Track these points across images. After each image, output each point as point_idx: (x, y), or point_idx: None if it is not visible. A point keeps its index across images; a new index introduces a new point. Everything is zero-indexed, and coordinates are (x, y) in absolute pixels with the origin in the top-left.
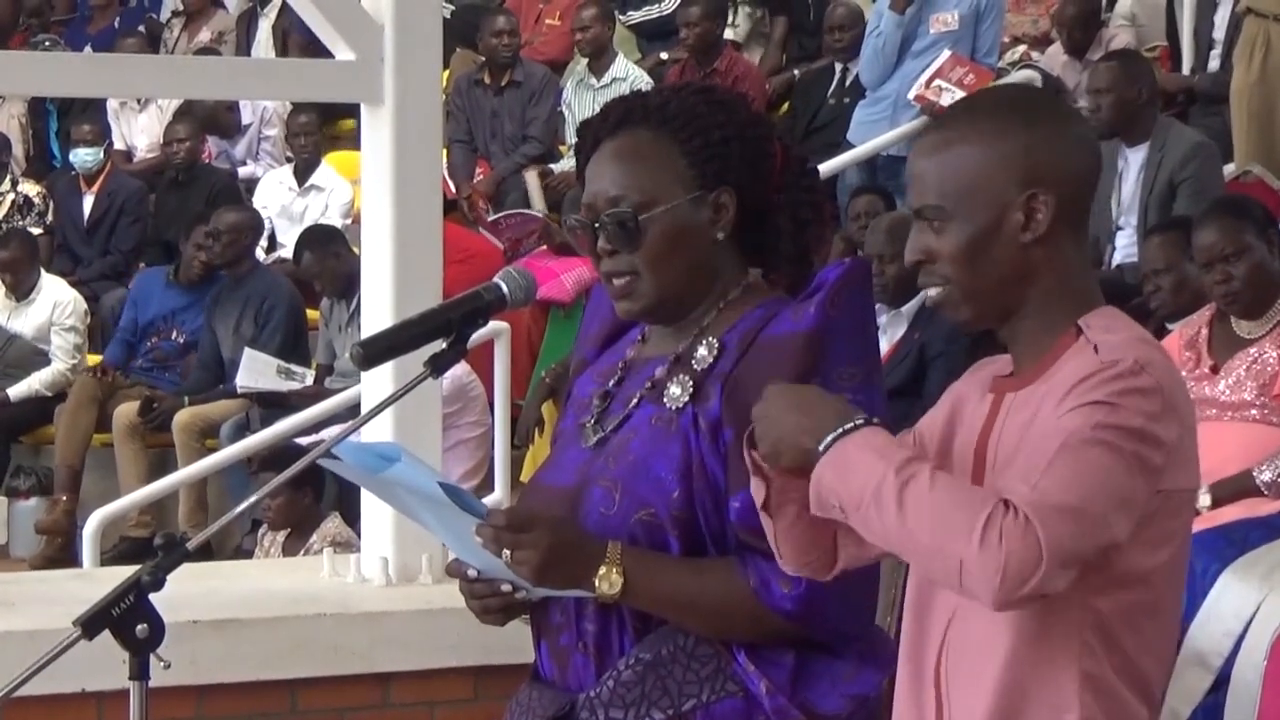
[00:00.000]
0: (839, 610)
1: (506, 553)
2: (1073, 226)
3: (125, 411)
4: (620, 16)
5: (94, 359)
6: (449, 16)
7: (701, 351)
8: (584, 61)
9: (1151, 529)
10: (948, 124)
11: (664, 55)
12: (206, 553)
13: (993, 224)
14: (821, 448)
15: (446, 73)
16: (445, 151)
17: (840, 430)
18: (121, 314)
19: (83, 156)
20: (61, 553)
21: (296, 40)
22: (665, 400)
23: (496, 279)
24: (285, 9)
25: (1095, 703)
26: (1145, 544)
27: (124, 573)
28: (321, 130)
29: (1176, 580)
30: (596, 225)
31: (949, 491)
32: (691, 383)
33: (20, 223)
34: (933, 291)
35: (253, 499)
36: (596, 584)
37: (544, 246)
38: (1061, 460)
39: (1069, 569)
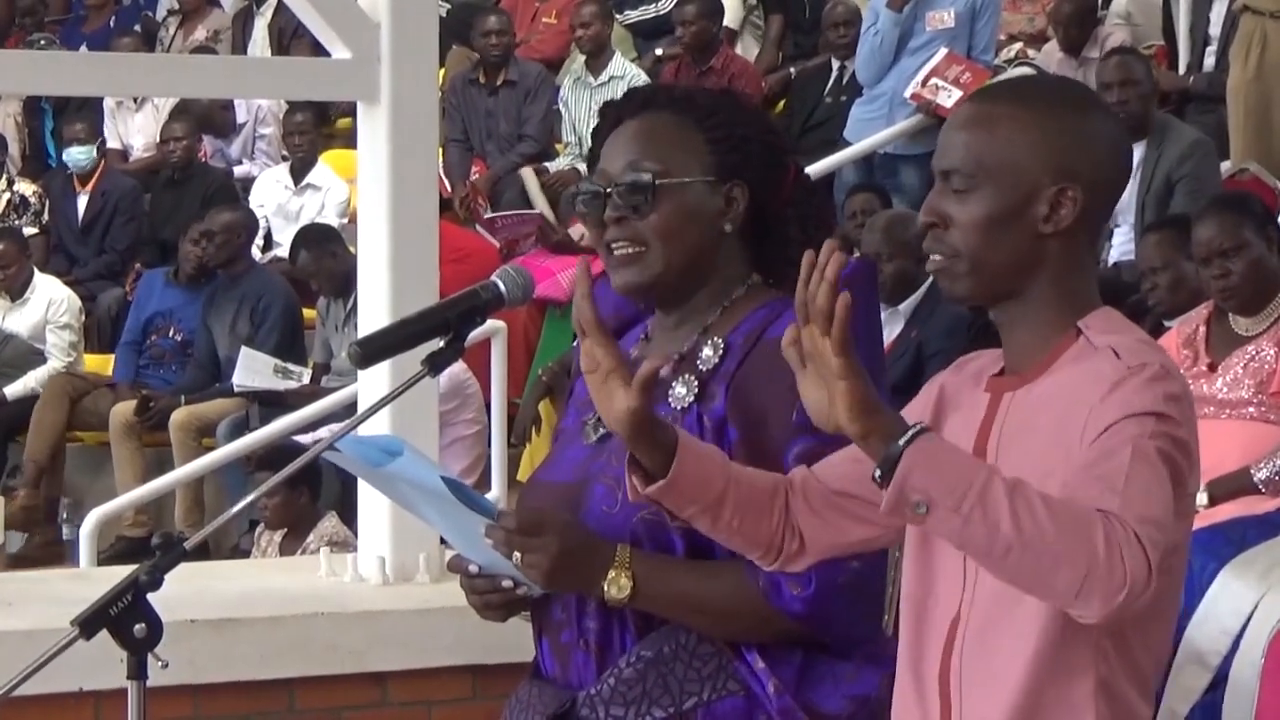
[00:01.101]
0: (848, 612)
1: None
2: (1090, 228)
3: (122, 410)
4: (616, 15)
5: (90, 358)
6: (445, 15)
7: (707, 352)
8: (581, 59)
9: None
10: (996, 97)
11: (660, 52)
12: (203, 552)
13: (1017, 206)
14: (902, 441)
15: (442, 70)
16: (441, 151)
17: (920, 427)
18: (125, 318)
19: (75, 155)
20: (43, 550)
21: (305, 42)
22: (670, 400)
23: (494, 277)
24: (281, 7)
25: (1108, 708)
26: None
27: (121, 572)
28: (317, 129)
29: (1179, 580)
30: (609, 191)
31: (1059, 501)
32: (697, 382)
33: (16, 222)
34: (935, 258)
35: (250, 498)
36: (605, 588)
37: (540, 246)
38: (1138, 471)
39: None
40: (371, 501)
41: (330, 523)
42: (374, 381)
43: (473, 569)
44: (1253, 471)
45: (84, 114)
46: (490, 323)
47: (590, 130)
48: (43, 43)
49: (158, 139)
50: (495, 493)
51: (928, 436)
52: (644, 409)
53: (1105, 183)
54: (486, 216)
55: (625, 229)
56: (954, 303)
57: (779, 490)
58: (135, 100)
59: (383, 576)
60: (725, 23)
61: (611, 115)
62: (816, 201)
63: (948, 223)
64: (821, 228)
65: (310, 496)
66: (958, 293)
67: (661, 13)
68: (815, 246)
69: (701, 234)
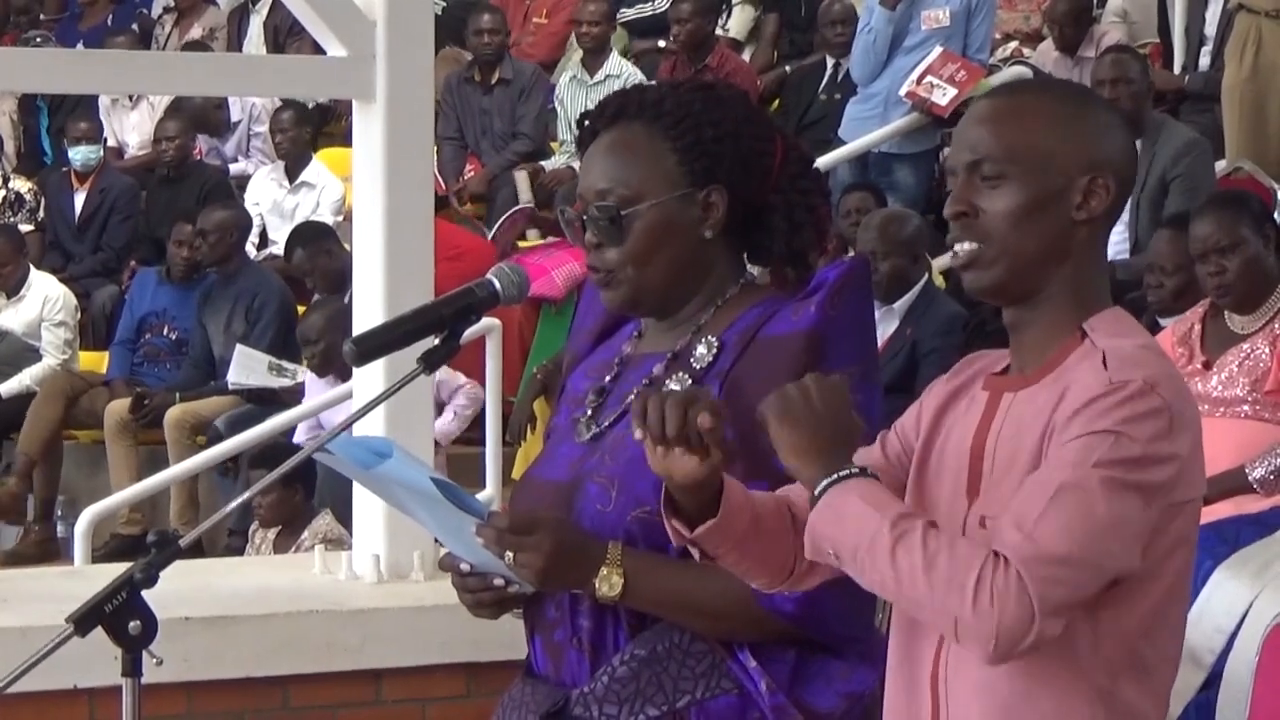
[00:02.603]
0: (840, 612)
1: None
2: (1109, 223)
3: (117, 408)
4: (627, 9)
5: (85, 355)
6: (440, 13)
7: (700, 350)
8: (578, 57)
9: (1162, 539)
10: (1020, 91)
11: (662, 44)
12: (198, 550)
13: (1052, 194)
14: (817, 492)
15: None
16: (435, 149)
17: (834, 477)
18: (120, 316)
19: (85, 153)
20: (38, 548)
21: (300, 40)
22: None
23: (489, 275)
24: (277, 5)
25: (1107, 710)
26: (1155, 554)
27: (115, 570)
28: (300, 127)
29: (1185, 584)
30: (585, 218)
31: (942, 549)
32: (690, 381)
33: (11, 219)
34: (966, 246)
35: (245, 495)
36: (597, 585)
37: (535, 230)
38: (1060, 504)
39: (1061, 617)
40: (366, 499)
41: (324, 520)
42: (368, 380)
43: (464, 567)
44: (1247, 470)
45: (82, 112)
46: (485, 320)
47: None
48: (38, 40)
49: (153, 137)
50: (489, 491)
51: (839, 488)
52: (720, 468)
53: (1127, 174)
54: (490, 237)
55: (601, 256)
56: (979, 296)
57: (783, 508)
58: (130, 98)
59: (377, 574)
60: (732, 34)
61: (588, 128)
62: (803, 185)
63: (978, 213)
64: (810, 215)
65: (304, 494)
66: (985, 282)
67: (658, 11)
68: (801, 237)
69: (679, 248)
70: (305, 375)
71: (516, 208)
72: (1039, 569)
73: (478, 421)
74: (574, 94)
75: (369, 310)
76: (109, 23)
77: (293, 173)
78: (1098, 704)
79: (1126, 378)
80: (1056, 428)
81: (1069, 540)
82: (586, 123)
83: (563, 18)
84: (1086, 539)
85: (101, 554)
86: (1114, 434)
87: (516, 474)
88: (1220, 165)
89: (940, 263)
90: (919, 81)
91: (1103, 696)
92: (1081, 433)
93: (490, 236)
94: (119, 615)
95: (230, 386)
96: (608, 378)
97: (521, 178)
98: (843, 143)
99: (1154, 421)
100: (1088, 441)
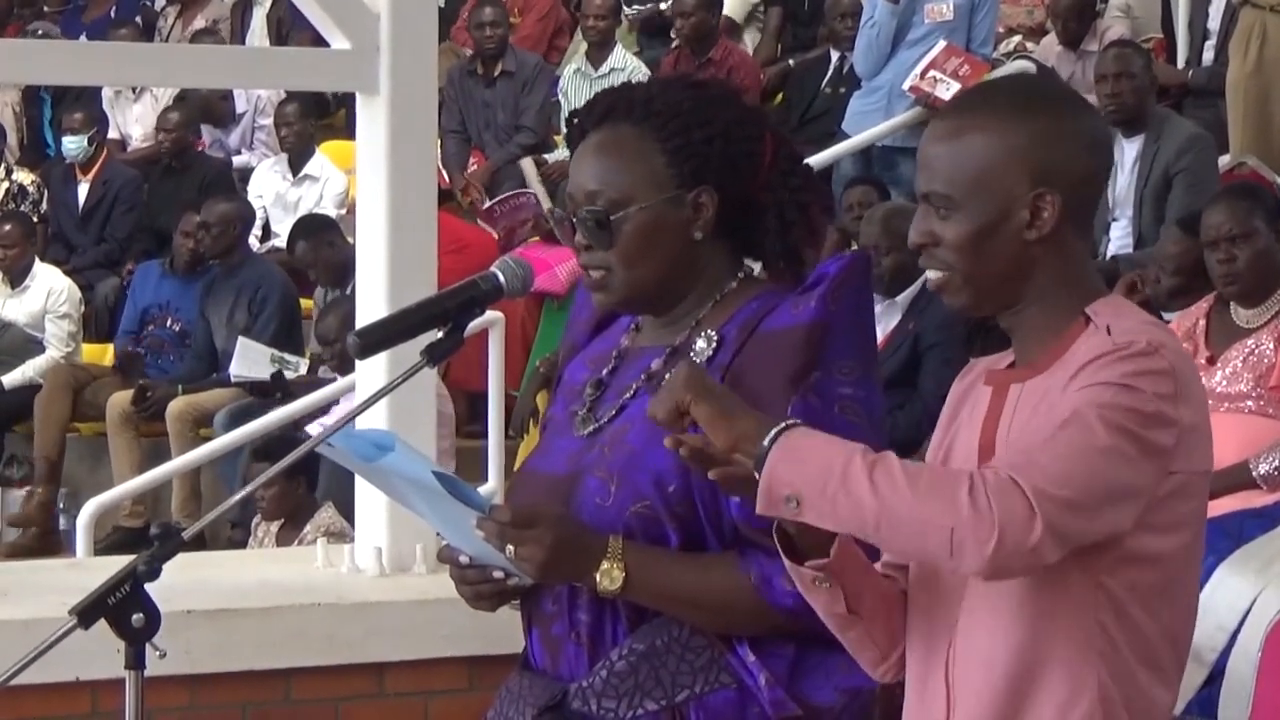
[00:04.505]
0: None
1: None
2: (1078, 223)
3: (119, 400)
4: (627, 10)
5: (87, 348)
6: (441, 6)
7: (700, 344)
8: (582, 50)
9: (1164, 510)
10: (963, 111)
11: (665, 11)
12: (199, 543)
13: (998, 218)
14: (767, 441)
15: None
16: (439, 142)
17: (783, 425)
18: (123, 308)
19: (68, 145)
20: (39, 541)
21: (304, 32)
22: None
23: (493, 268)
24: None
25: (1112, 684)
26: (1157, 525)
27: (118, 562)
28: (304, 120)
29: (1192, 563)
30: (575, 220)
31: (924, 469)
32: None
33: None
34: (933, 274)
35: (249, 488)
36: (598, 579)
37: (537, 237)
38: (1063, 436)
39: (1060, 540)
40: (368, 493)
41: (327, 513)
42: (371, 372)
43: (464, 560)
44: (1251, 466)
45: (82, 103)
46: (488, 314)
47: None
48: (41, 32)
49: (155, 129)
50: (492, 484)
51: (792, 432)
52: None
53: (1082, 179)
54: (484, 207)
55: (591, 256)
56: (959, 315)
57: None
58: (134, 90)
59: (379, 567)
60: (729, 14)
61: (577, 127)
62: (793, 183)
63: (937, 242)
64: (801, 212)
65: (307, 487)
66: (959, 305)
67: (669, 14)
68: (793, 234)
69: (669, 250)
70: (306, 368)
71: (522, 190)
72: (1035, 479)
73: (481, 415)
74: (578, 86)
75: (372, 303)
76: (112, 15)
77: (296, 165)
78: (1103, 671)
79: (1131, 339)
80: (1065, 389)
81: (1072, 465)
82: (575, 121)
83: (534, 16)
84: (1085, 463)
85: (103, 546)
86: (1120, 385)
87: (519, 467)
88: (1224, 160)
89: None
90: (922, 76)
91: (1107, 665)
92: (1087, 384)
93: (487, 206)
94: (122, 608)
95: (232, 379)
96: (605, 370)
97: (528, 164)
98: (846, 136)
99: (1159, 380)
100: (1095, 390)
